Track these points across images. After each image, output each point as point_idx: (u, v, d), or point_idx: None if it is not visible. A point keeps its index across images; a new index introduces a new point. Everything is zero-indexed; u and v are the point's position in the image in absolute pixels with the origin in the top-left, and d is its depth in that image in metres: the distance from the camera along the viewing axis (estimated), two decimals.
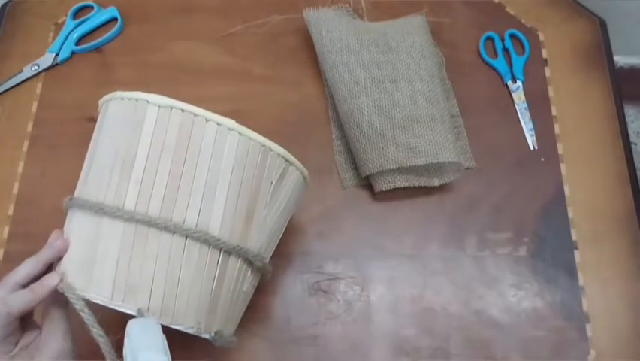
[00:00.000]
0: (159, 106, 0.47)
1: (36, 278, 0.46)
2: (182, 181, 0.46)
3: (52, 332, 0.46)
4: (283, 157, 0.50)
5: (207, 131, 0.46)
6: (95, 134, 0.51)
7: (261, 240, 0.50)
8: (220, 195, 0.46)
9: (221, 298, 0.47)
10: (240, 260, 0.48)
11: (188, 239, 0.45)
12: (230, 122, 0.47)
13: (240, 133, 0.47)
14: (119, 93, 0.49)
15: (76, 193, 0.50)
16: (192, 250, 0.46)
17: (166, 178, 0.45)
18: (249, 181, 0.48)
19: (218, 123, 0.47)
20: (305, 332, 0.61)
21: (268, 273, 0.53)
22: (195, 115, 0.46)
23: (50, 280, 0.46)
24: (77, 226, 0.48)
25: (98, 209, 0.46)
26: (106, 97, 0.51)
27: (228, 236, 0.47)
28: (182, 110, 0.46)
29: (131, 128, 0.47)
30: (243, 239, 0.48)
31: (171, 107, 0.47)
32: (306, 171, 0.54)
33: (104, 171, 0.47)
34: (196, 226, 0.45)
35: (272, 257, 0.63)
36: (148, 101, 0.47)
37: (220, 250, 0.46)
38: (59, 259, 0.48)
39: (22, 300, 0.45)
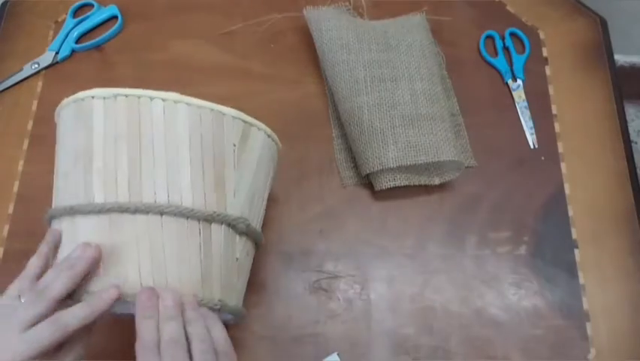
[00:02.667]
0: (104, 98, 0.48)
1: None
2: (143, 162, 0.46)
3: (71, 351, 0.43)
4: (240, 119, 0.50)
5: (154, 109, 0.47)
6: (56, 146, 0.52)
7: (240, 203, 0.50)
8: (184, 167, 0.47)
9: (213, 268, 0.48)
10: (223, 226, 0.48)
11: (163, 216, 0.46)
12: (175, 95, 0.48)
13: (187, 103, 0.48)
14: (65, 100, 0.51)
15: (53, 206, 0.50)
16: (170, 225, 0.46)
17: (126, 164, 0.46)
18: (209, 147, 0.48)
19: (163, 99, 0.47)
20: (305, 330, 0.61)
21: (259, 237, 0.53)
22: (139, 97, 0.47)
23: (112, 293, 0.44)
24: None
25: (71, 211, 0.47)
26: (57, 108, 0.52)
27: (203, 204, 0.47)
28: (126, 96, 0.47)
29: (83, 126, 0.48)
30: (220, 205, 0.48)
31: (115, 96, 0.48)
32: (269, 130, 0.54)
33: (69, 174, 0.48)
34: (168, 201, 0.46)
35: (273, 254, 0.63)
36: (92, 97, 0.48)
37: (198, 220, 0.47)
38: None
39: (79, 317, 0.43)
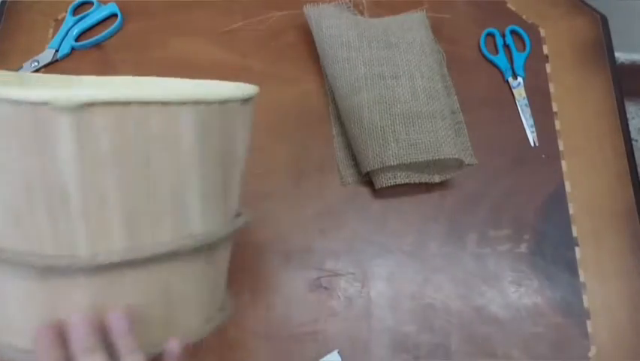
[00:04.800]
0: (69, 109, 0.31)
1: None
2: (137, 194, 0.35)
3: None
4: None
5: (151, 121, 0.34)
6: None
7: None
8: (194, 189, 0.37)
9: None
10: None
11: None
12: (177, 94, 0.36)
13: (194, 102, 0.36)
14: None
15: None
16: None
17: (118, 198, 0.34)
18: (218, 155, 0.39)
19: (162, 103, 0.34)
20: (306, 328, 0.61)
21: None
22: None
23: None
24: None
25: (46, 268, 0.33)
26: None
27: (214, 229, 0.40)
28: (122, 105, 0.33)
29: (38, 145, 0.32)
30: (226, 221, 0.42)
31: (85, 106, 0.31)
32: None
33: (20, 212, 0.33)
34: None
35: (273, 253, 0.63)
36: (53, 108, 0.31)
37: (209, 249, 0.40)
38: None
39: None
